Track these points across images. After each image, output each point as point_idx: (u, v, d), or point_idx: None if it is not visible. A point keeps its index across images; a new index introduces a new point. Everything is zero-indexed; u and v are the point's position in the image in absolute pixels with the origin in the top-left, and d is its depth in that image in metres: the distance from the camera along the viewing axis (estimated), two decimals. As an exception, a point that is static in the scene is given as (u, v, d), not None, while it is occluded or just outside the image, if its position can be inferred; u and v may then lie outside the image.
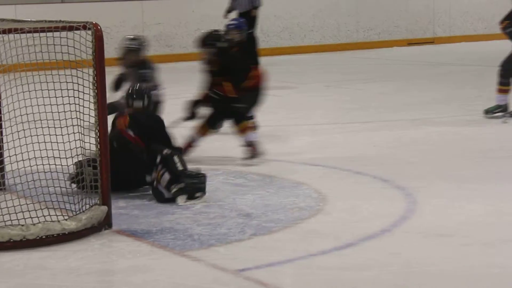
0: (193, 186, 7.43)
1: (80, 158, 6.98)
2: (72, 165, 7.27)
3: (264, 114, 10.50)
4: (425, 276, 5.74)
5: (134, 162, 7.56)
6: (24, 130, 7.21)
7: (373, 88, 14.65)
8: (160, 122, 7.99)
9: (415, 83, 15.42)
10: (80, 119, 6.80)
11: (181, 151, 7.88)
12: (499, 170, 8.55)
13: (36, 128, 7.10)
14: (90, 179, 6.80)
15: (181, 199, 7.36)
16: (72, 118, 6.85)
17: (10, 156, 6.91)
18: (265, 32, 18.76)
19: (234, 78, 8.82)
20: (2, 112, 7.15)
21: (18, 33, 6.88)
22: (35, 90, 6.95)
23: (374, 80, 15.79)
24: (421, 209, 7.21)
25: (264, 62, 12.51)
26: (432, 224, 6.83)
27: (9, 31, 6.85)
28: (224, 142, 9.30)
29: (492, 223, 6.85)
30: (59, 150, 6.98)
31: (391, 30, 20.67)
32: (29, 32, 6.88)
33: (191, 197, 7.40)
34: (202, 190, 7.47)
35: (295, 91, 13.14)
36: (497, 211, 7.14)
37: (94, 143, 6.71)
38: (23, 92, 6.94)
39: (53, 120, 6.98)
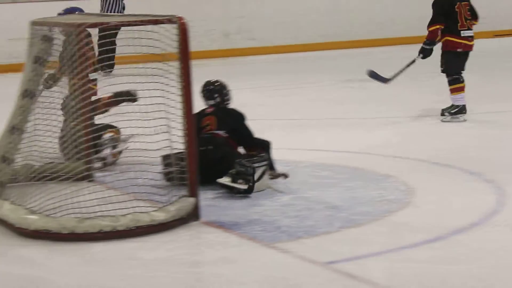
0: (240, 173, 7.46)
1: (168, 151, 7.02)
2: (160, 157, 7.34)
3: (350, 106, 10.48)
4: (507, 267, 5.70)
5: (226, 160, 7.59)
6: (112, 122, 7.34)
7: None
8: (242, 117, 7.99)
9: (500, 74, 15.18)
10: (167, 112, 6.85)
11: (268, 145, 7.89)
12: None
13: (123, 120, 7.21)
14: (178, 172, 6.88)
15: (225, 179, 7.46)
16: (159, 111, 6.89)
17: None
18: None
19: None
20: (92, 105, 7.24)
21: (104, 26, 6.99)
22: (122, 83, 7.05)
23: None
24: (511, 202, 7.14)
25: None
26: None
27: (96, 25, 6.96)
28: (310, 134, 9.28)
29: None
30: (146, 142, 7.05)
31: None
32: (116, 25, 6.98)
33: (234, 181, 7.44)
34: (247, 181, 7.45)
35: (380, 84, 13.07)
36: None
37: (181, 135, 6.78)
38: (109, 85, 7.03)
39: (140, 112, 7.06)
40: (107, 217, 6.39)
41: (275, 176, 7.71)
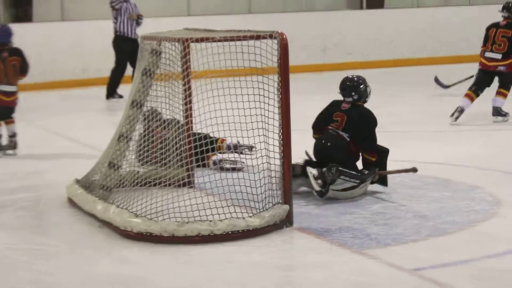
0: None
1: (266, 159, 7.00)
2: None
3: (437, 118, 10.32)
4: None
5: (336, 163, 7.53)
6: (213, 132, 7.37)
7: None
8: (370, 121, 7.79)
9: None
10: (265, 122, 6.86)
11: (387, 153, 7.81)
12: None
13: (224, 130, 7.24)
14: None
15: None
16: (257, 122, 6.90)
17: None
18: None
19: None
20: (193, 116, 7.28)
21: (209, 41, 7.03)
22: (224, 95, 7.07)
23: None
24: None
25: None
26: None
27: (201, 40, 7.01)
28: (399, 145, 9.17)
29: None
30: (243, 152, 7.06)
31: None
32: (219, 41, 7.02)
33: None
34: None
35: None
36: None
37: (278, 145, 6.78)
38: (213, 96, 7.06)
39: (240, 123, 7.07)
40: (205, 221, 6.43)
41: (381, 180, 7.75)
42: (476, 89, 11.44)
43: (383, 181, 7.75)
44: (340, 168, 7.40)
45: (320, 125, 7.84)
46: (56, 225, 7.12)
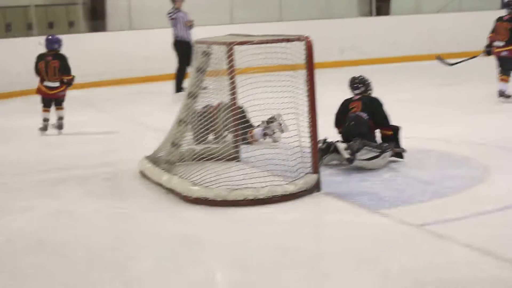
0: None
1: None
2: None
3: (437, 104, 10.18)
4: None
5: (362, 136, 7.50)
6: (251, 117, 7.38)
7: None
8: (380, 103, 7.83)
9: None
10: (296, 108, 6.85)
11: (398, 129, 7.76)
12: None
13: (262, 115, 7.24)
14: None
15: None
16: (290, 108, 6.90)
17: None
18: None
19: None
20: (238, 103, 7.30)
21: (249, 44, 7.04)
22: (262, 87, 7.07)
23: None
24: None
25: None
26: None
27: (243, 43, 7.03)
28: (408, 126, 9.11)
29: None
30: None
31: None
32: (257, 43, 7.02)
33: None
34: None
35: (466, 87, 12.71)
36: None
37: (307, 126, 6.76)
38: (253, 88, 7.06)
39: (276, 109, 7.08)
40: (250, 188, 6.44)
41: (398, 152, 7.67)
42: (502, 70, 11.22)
43: (399, 155, 7.70)
44: (364, 140, 7.42)
45: (340, 120, 7.86)
46: (131, 193, 7.17)
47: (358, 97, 7.88)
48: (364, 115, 7.66)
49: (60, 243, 5.74)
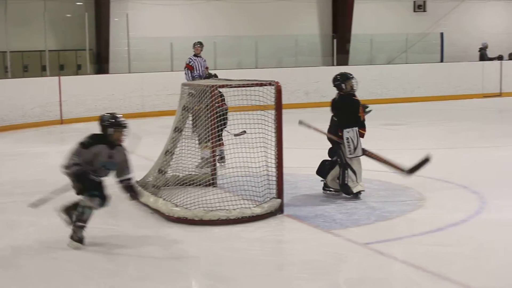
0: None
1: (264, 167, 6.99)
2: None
3: (384, 141, 10.22)
4: (493, 252, 5.57)
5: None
6: (229, 149, 7.39)
7: (464, 125, 14.14)
8: (356, 103, 7.42)
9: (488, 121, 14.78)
10: (265, 141, 6.89)
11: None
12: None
13: (236, 148, 7.25)
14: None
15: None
16: (259, 142, 6.93)
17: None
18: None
19: None
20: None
21: (228, 87, 7.10)
22: (237, 124, 7.12)
23: (464, 119, 15.20)
24: (488, 206, 6.98)
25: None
26: (496, 216, 6.60)
27: (222, 86, 7.09)
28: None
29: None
30: (250, 162, 7.06)
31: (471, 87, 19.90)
32: (235, 86, 7.07)
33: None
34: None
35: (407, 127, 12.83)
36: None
37: (274, 157, 6.80)
38: (230, 124, 7.08)
39: (247, 142, 7.10)
40: (223, 210, 6.46)
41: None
42: None
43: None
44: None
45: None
46: (123, 212, 7.13)
47: (336, 98, 7.54)
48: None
49: (60, 252, 5.70)
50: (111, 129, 5.77)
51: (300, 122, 7.49)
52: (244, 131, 7.38)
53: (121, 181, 5.86)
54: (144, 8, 18.27)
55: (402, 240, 5.90)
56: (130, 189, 5.87)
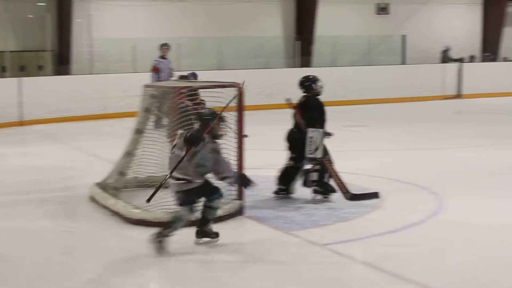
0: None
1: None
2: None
3: (345, 143, 10.30)
4: (451, 252, 5.64)
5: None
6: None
7: (425, 126, 14.25)
8: (321, 104, 7.42)
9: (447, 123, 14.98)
10: (227, 144, 6.80)
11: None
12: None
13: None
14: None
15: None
16: (221, 143, 6.85)
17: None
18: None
19: None
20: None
21: (189, 88, 7.08)
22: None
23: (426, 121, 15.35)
24: (446, 206, 7.05)
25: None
26: (453, 217, 6.67)
27: (185, 88, 7.09)
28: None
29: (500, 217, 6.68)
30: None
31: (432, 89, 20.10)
32: (197, 88, 7.07)
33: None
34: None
35: (369, 129, 12.93)
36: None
37: (235, 159, 6.76)
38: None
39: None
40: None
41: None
42: None
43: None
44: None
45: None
46: (82, 214, 7.06)
47: (302, 100, 7.56)
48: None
49: (15, 255, 5.62)
50: (213, 122, 5.72)
51: (287, 100, 7.44)
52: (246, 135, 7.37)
53: (226, 177, 5.78)
54: (107, 9, 18.14)
55: (361, 240, 5.93)
56: (243, 179, 5.83)
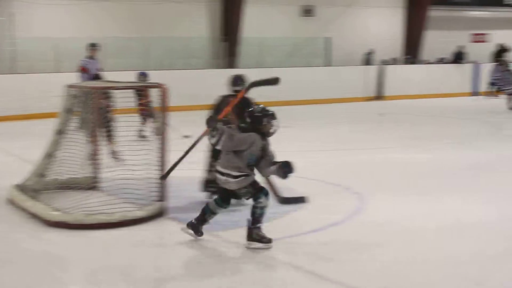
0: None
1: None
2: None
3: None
4: (372, 251, 5.75)
5: None
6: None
7: (348, 127, 14.52)
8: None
9: (371, 124, 15.28)
10: (149, 145, 6.82)
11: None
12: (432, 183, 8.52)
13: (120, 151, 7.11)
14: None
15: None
16: (143, 145, 6.84)
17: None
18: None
19: None
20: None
21: (114, 89, 7.03)
22: (122, 127, 7.01)
23: (348, 122, 15.62)
24: (368, 207, 7.18)
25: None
26: (375, 217, 6.80)
27: (107, 88, 7.03)
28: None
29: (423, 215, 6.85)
30: (133, 165, 6.93)
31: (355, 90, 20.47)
32: (121, 88, 7.02)
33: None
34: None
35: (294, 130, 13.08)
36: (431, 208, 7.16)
37: (157, 160, 6.73)
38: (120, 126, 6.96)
39: (132, 145, 6.96)
40: (104, 214, 6.33)
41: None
42: None
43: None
44: None
45: None
46: (-1, 217, 6.89)
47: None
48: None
49: None
50: (265, 120, 5.79)
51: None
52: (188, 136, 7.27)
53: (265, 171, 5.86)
54: (31, 7, 17.71)
55: (283, 240, 5.95)
56: (286, 167, 5.86)
